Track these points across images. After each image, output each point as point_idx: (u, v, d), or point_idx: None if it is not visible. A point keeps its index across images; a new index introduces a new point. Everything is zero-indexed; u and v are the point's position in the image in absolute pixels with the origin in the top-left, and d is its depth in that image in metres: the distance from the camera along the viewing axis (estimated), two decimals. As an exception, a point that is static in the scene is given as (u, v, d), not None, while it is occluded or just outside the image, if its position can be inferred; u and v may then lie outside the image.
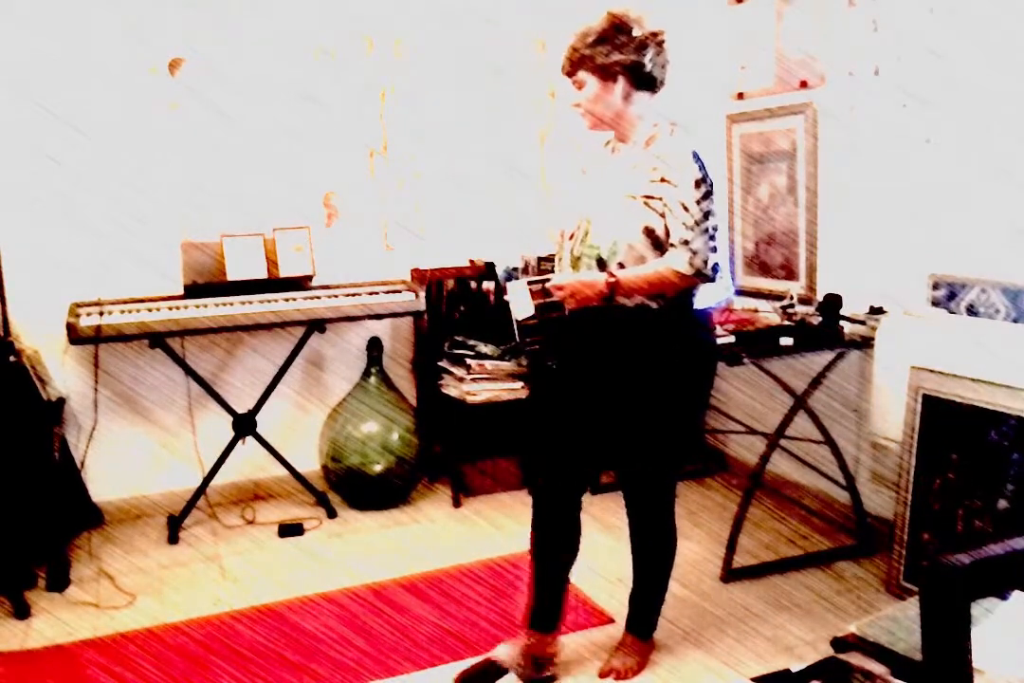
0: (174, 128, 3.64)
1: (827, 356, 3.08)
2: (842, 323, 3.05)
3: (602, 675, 2.48)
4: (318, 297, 3.56)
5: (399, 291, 3.72)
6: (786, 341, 2.97)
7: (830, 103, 3.24)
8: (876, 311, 3.00)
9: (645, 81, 2.27)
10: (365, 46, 3.88)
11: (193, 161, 3.69)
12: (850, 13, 3.10)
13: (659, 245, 2.21)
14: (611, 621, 2.73)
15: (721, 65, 3.77)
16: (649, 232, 2.20)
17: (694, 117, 3.93)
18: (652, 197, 2.20)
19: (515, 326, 3.66)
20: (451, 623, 2.76)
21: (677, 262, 2.17)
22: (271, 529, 3.58)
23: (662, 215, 2.20)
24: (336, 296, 3.59)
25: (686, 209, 2.17)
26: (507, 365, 3.76)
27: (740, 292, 3.76)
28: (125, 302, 3.42)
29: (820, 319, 3.08)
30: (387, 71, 3.92)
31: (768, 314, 3.31)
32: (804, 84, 3.33)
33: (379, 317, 3.71)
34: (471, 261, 3.97)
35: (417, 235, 4.05)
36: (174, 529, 3.52)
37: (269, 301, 3.48)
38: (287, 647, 2.65)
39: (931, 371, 2.72)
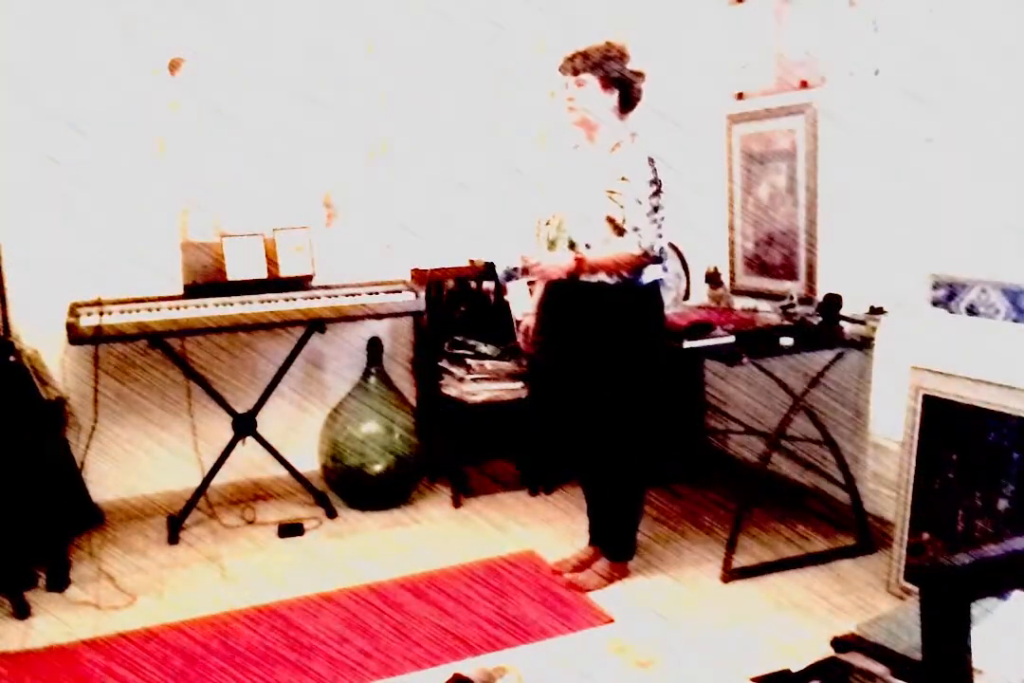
0: (174, 128, 3.65)
1: (827, 356, 3.08)
2: (842, 323, 3.06)
3: (569, 575, 2.99)
4: (318, 297, 3.56)
5: (399, 291, 3.72)
6: (786, 341, 2.98)
7: (830, 103, 3.24)
8: (876, 311, 3.00)
9: (629, 100, 2.81)
10: (365, 46, 3.88)
11: (193, 161, 3.69)
12: (850, 13, 3.10)
13: (620, 231, 2.69)
14: (611, 621, 2.73)
15: (721, 65, 3.77)
16: (611, 220, 2.69)
17: (694, 117, 3.95)
18: (614, 192, 2.69)
19: (515, 326, 3.66)
20: (451, 623, 2.76)
21: (629, 245, 2.67)
22: (271, 529, 3.58)
23: (622, 206, 2.68)
24: (336, 296, 3.59)
25: (639, 203, 2.67)
26: (507, 365, 3.75)
27: (740, 292, 3.77)
28: (125, 302, 3.42)
29: (820, 319, 3.08)
30: (387, 71, 3.92)
31: (768, 314, 3.31)
32: (804, 84, 3.33)
33: (379, 317, 3.71)
34: (471, 261, 3.96)
35: (417, 235, 4.05)
36: (174, 529, 3.52)
37: (269, 301, 3.48)
38: (287, 647, 2.65)
39: (931, 371, 2.72)
